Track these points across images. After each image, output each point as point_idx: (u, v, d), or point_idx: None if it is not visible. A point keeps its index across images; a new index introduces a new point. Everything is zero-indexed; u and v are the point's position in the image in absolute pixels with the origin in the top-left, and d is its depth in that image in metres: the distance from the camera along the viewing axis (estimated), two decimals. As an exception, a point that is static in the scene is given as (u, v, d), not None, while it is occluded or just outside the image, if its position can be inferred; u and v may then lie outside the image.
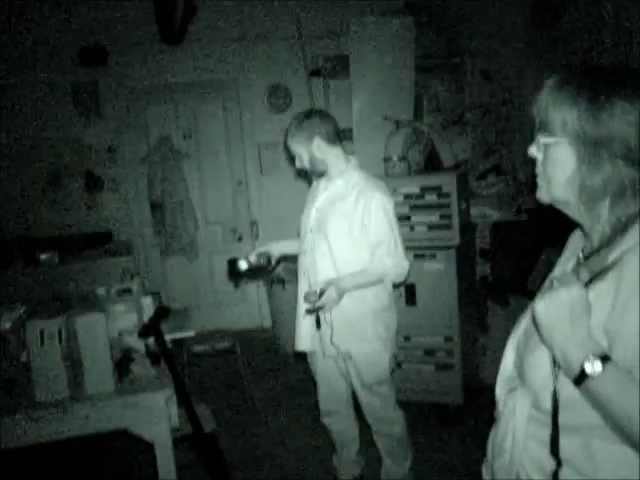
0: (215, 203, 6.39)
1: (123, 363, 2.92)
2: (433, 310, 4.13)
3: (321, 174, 3.07)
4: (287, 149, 3.13)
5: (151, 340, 3.06)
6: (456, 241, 4.14)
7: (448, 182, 4.14)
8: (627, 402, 1.09)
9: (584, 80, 1.24)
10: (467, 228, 4.43)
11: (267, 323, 6.35)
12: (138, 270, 5.24)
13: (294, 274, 5.67)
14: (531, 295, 4.35)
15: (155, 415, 2.74)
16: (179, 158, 6.13)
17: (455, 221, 4.13)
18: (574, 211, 1.31)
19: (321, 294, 2.78)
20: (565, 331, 1.15)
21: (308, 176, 3.27)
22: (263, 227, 6.38)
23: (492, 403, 4.52)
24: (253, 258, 3.23)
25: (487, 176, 5.27)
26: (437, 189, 4.15)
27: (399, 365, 3.21)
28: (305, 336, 3.13)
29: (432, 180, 4.24)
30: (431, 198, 4.17)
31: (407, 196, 4.20)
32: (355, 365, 3.06)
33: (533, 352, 1.28)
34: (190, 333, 3.54)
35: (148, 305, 3.33)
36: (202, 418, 3.10)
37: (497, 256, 4.74)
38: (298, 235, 3.26)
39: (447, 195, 4.13)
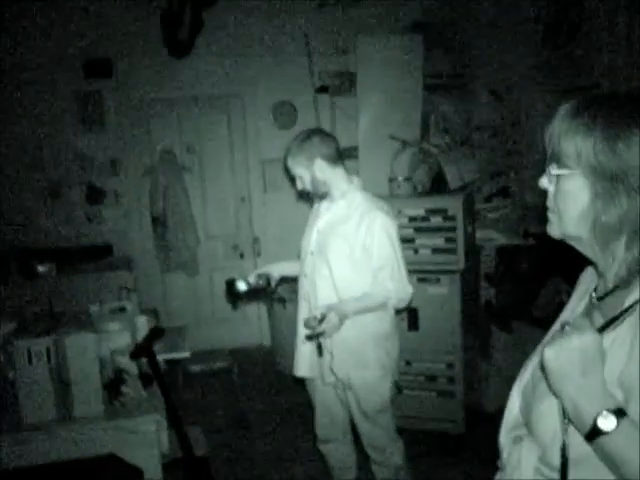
0: (217, 219, 6.31)
1: (114, 384, 2.83)
2: (436, 335, 4.04)
3: (323, 196, 2.99)
4: (287, 170, 3.04)
5: (144, 360, 2.99)
6: (461, 265, 4.05)
7: (454, 205, 4.05)
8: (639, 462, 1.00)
9: (599, 107, 1.14)
10: (472, 252, 4.34)
11: (267, 341, 6.26)
12: (136, 286, 5.16)
13: (294, 293, 5.61)
14: (536, 322, 4.26)
15: (145, 440, 2.66)
16: (182, 172, 6.06)
17: (460, 245, 4.04)
18: (587, 248, 1.21)
19: (322, 320, 2.68)
20: (577, 381, 1.06)
21: (310, 197, 3.18)
22: (265, 244, 6.30)
23: (493, 432, 4.39)
24: (252, 279, 3.15)
25: (493, 199, 5.20)
26: (443, 212, 4.07)
27: (400, 391, 3.10)
28: (304, 362, 3.04)
29: (438, 202, 4.16)
30: (436, 221, 4.09)
31: (412, 218, 4.12)
32: (354, 393, 2.96)
33: (542, 401, 1.18)
34: (185, 354, 3.47)
35: (142, 324, 3.26)
36: (194, 441, 3.01)
37: (502, 281, 4.65)
38: (299, 257, 3.17)
39: (453, 218, 4.04)
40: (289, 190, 6.18)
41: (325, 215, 3.01)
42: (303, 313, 3.00)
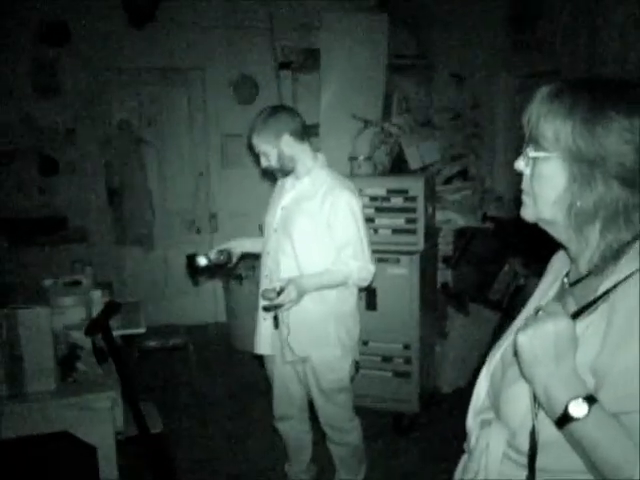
0: (175, 193, 6.21)
1: (68, 360, 2.77)
2: (393, 316, 4.04)
3: (288, 172, 2.94)
4: (251, 147, 2.97)
5: (99, 336, 2.93)
6: (421, 246, 4.06)
7: (416, 185, 4.05)
8: (612, 448, 1.00)
9: (580, 92, 1.13)
10: (431, 233, 4.35)
11: (222, 318, 6.21)
12: (91, 259, 5.05)
13: (251, 270, 5.57)
14: (492, 305, 4.31)
15: (99, 417, 2.61)
16: (139, 145, 5.94)
17: (420, 226, 4.05)
18: (561, 233, 1.21)
19: (280, 292, 2.68)
20: (549, 367, 1.05)
21: (273, 175, 3.13)
22: (222, 220, 6.23)
23: (447, 412, 4.46)
24: (213, 255, 3.09)
25: (453, 181, 5.22)
26: (404, 192, 4.06)
27: (357, 370, 3.10)
28: (265, 339, 3.02)
29: (399, 183, 4.15)
30: (397, 201, 4.08)
31: (373, 198, 4.10)
32: (313, 370, 2.95)
33: (511, 385, 1.17)
34: (141, 329, 3.40)
35: (98, 299, 3.19)
36: (149, 418, 2.96)
37: (459, 263, 4.68)
38: (262, 233, 3.14)
39: (414, 199, 4.04)
40: (248, 166, 6.12)
41: (290, 192, 2.97)
42: None
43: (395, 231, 4.08)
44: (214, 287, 6.26)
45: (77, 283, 3.23)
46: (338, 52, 5.23)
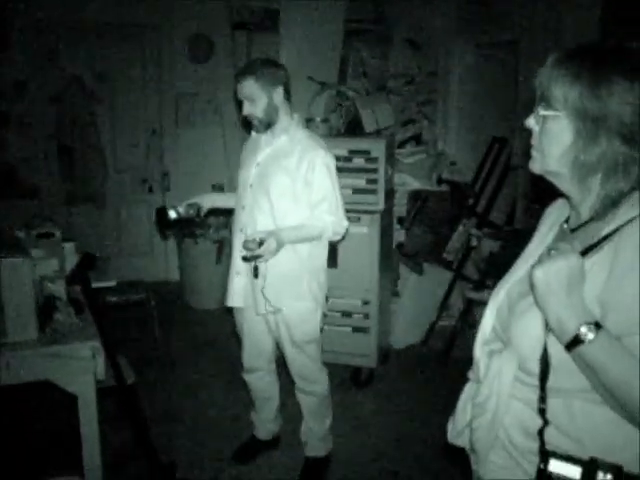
0: (127, 151, 6.15)
1: (45, 311, 2.78)
2: (353, 273, 4.18)
3: (268, 126, 2.98)
4: (240, 91, 2.93)
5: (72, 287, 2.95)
6: (381, 206, 4.19)
7: (377, 147, 4.17)
8: (617, 366, 1.15)
9: (586, 57, 1.26)
10: (389, 194, 4.49)
11: (173, 277, 6.24)
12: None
13: (207, 229, 5.60)
14: (445, 264, 4.51)
15: (80, 367, 2.63)
16: (91, 101, 5.84)
17: (381, 186, 4.18)
18: (564, 183, 1.35)
19: (261, 243, 2.75)
20: (561, 298, 1.19)
21: (247, 126, 3.16)
22: (175, 179, 6.21)
23: (401, 367, 4.65)
24: (182, 208, 3.13)
25: (406, 145, 5.35)
26: (366, 153, 4.17)
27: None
28: (238, 292, 3.10)
29: (361, 144, 4.26)
30: (358, 162, 4.18)
31: (335, 158, 4.18)
32: (286, 322, 3.05)
33: (522, 317, 1.31)
34: (112, 282, 3.43)
35: (70, 251, 3.20)
36: (123, 370, 3.02)
37: (413, 224, 4.84)
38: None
39: (375, 160, 4.16)
40: (202, 126, 6.15)
41: (265, 149, 3.03)
42: (238, 245, 3.02)
43: (356, 191, 4.18)
44: (166, 245, 6.27)
45: (50, 235, 3.22)
46: (297, 14, 5.25)
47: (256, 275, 2.92)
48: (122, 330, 4.42)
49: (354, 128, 5.04)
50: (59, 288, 2.89)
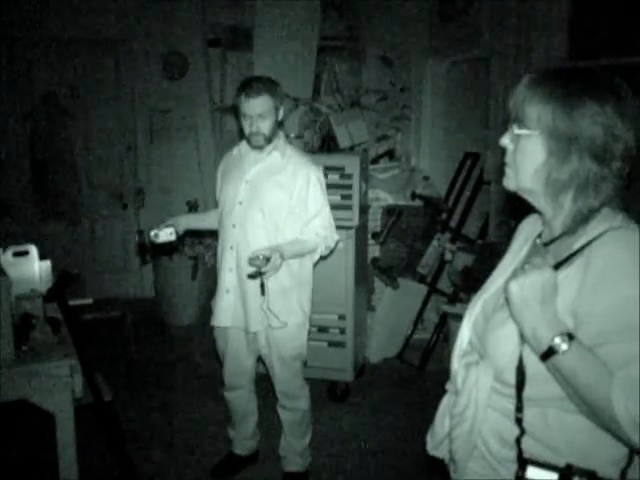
0: (101, 167, 6.12)
1: (21, 329, 2.77)
2: (329, 288, 4.18)
3: (269, 142, 3.01)
4: (253, 108, 2.91)
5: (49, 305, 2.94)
6: (355, 222, 4.24)
7: (352, 163, 4.22)
8: (589, 375, 1.19)
9: (559, 79, 1.32)
10: (364, 210, 4.53)
11: (149, 293, 6.21)
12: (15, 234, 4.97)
13: (182, 245, 5.59)
14: (420, 278, 4.57)
15: (58, 385, 2.62)
16: (65, 117, 5.82)
17: (356, 202, 4.23)
18: (537, 200, 1.40)
19: (267, 260, 2.75)
20: (536, 311, 1.24)
21: (245, 142, 3.09)
22: (149, 195, 6.21)
23: (377, 381, 4.66)
24: (161, 232, 3.07)
25: (380, 160, 5.42)
26: (340, 169, 4.21)
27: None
28: (226, 311, 3.08)
29: (336, 160, 4.31)
30: (334, 178, 4.22)
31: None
32: (276, 339, 3.07)
33: (498, 329, 1.36)
34: (88, 300, 3.42)
35: (47, 269, 3.18)
36: (100, 387, 3.02)
37: (387, 239, 4.89)
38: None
39: (349, 176, 4.21)
40: (176, 142, 6.15)
41: (255, 165, 3.05)
42: (229, 262, 3.04)
43: (331, 207, 4.19)
44: (141, 263, 6.24)
45: (25, 253, 3.20)
46: (271, 31, 5.31)
47: (263, 292, 2.93)
48: (99, 347, 4.39)
49: (328, 144, 5.09)
50: (36, 306, 2.88)
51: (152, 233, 3.06)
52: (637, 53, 3.58)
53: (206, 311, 5.62)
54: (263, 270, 2.78)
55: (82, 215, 6.07)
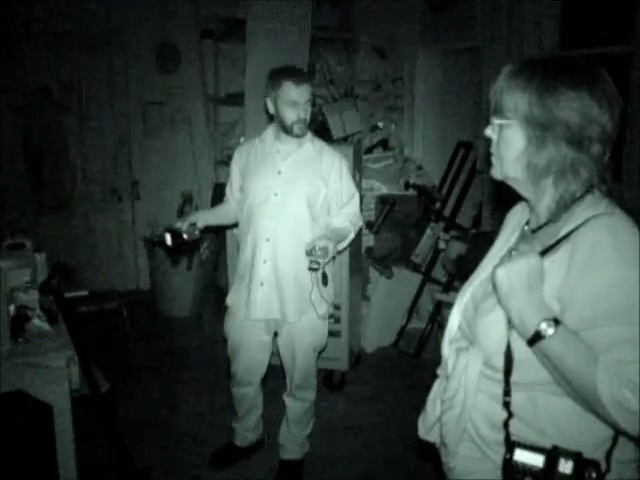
0: (95, 160, 6.12)
1: (17, 321, 2.79)
2: (324, 278, 4.22)
3: (301, 131, 2.99)
4: (302, 95, 2.92)
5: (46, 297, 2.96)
6: (350, 212, 4.25)
7: (346, 153, 4.21)
8: (575, 359, 1.22)
9: (535, 69, 1.35)
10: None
11: (144, 285, 6.23)
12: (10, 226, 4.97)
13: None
14: (414, 267, 4.59)
15: (55, 376, 2.64)
16: (59, 110, 5.82)
17: (350, 192, 4.23)
18: (521, 187, 1.43)
19: (324, 250, 2.76)
20: (522, 296, 1.26)
21: (288, 132, 3.01)
22: (144, 188, 6.21)
23: (372, 370, 4.68)
24: (185, 228, 2.95)
25: (373, 151, 5.43)
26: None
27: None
28: (261, 304, 3.04)
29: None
30: (327, 168, 4.23)
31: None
32: (303, 329, 3.09)
33: (487, 316, 1.38)
34: (84, 292, 3.43)
35: (42, 261, 3.19)
36: (97, 379, 3.03)
37: (382, 228, 4.91)
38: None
39: (343, 167, 4.21)
40: (170, 135, 6.16)
41: (288, 156, 3.04)
42: (263, 254, 3.01)
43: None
44: (136, 254, 6.27)
45: (20, 246, 3.22)
46: (263, 23, 5.29)
47: (325, 282, 3.00)
48: (95, 339, 4.41)
49: (322, 135, 5.10)
50: (31, 298, 2.91)
51: (178, 230, 2.95)
52: (628, 42, 3.59)
53: (202, 303, 5.69)
54: (321, 260, 2.77)
55: (77, 208, 6.07)
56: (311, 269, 2.85)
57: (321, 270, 2.91)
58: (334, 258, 3.16)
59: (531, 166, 1.36)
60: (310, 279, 2.99)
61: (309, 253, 2.78)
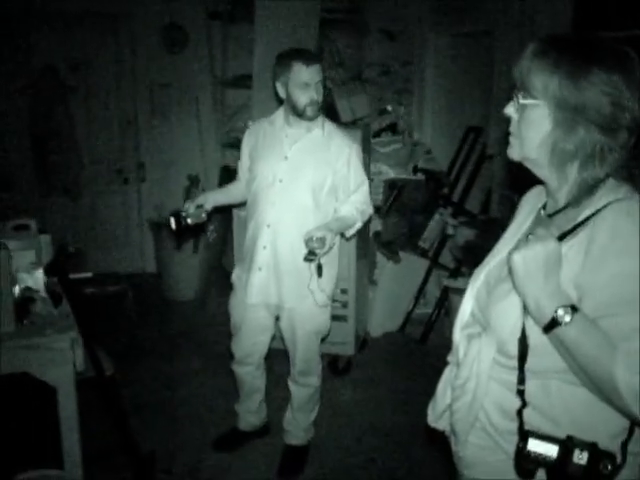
0: (102, 142, 6.08)
1: (22, 303, 2.77)
2: (331, 262, 4.19)
3: (318, 113, 2.97)
4: (314, 75, 2.87)
5: (51, 279, 2.93)
6: (357, 196, 4.20)
7: (354, 136, 4.16)
8: (592, 346, 1.18)
9: (565, 48, 1.29)
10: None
11: (150, 268, 6.21)
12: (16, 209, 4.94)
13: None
14: (422, 252, 4.56)
15: (59, 358, 2.62)
16: (65, 91, 5.77)
17: (357, 176, 4.18)
18: (542, 170, 1.37)
19: (321, 240, 2.73)
20: (539, 282, 1.22)
21: (301, 115, 2.95)
22: (150, 170, 6.17)
23: (378, 355, 4.66)
24: (192, 211, 2.94)
25: (382, 134, 5.37)
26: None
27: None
28: (258, 288, 3.04)
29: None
30: (335, 152, 4.18)
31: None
32: (304, 314, 3.07)
33: (501, 301, 1.35)
34: (88, 274, 3.40)
35: (47, 243, 3.17)
36: (102, 361, 3.02)
37: (390, 213, 4.87)
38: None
39: (352, 150, 4.16)
40: (177, 116, 6.11)
41: (295, 143, 2.99)
42: (263, 239, 2.99)
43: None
44: (142, 236, 6.24)
45: (25, 227, 3.19)
46: (272, 4, 5.23)
47: (320, 274, 2.94)
48: (100, 322, 4.39)
49: (330, 118, 5.05)
50: (36, 280, 2.89)
51: (182, 214, 2.93)
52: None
53: (208, 286, 5.66)
54: (318, 251, 2.74)
55: (83, 190, 6.02)
56: (306, 259, 2.82)
57: (317, 261, 2.87)
58: (346, 239, 3.20)
59: (557, 150, 1.30)
60: (308, 268, 2.96)
61: (305, 243, 2.75)
